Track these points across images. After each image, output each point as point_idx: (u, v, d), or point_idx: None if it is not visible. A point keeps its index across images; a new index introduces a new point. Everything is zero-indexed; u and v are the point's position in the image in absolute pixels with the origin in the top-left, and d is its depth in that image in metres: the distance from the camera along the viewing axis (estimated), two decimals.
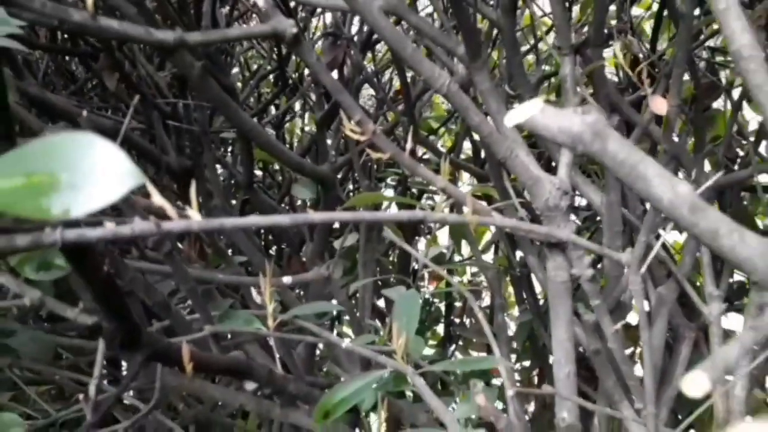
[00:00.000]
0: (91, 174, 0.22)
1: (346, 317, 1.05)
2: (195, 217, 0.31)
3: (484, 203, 0.50)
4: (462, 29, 0.52)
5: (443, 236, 1.66)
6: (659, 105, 0.59)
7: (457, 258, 1.57)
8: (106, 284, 0.36)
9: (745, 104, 1.11)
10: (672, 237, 1.23)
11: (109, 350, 0.41)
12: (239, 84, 1.52)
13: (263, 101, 1.46)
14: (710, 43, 1.12)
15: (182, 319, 0.60)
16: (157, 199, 0.30)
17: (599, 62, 0.66)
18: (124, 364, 1.03)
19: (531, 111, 0.26)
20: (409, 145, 0.49)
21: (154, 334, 0.43)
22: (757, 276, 0.25)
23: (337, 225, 1.36)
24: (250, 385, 0.64)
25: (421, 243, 1.62)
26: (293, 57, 1.26)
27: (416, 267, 1.44)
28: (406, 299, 0.67)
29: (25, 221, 0.31)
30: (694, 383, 0.19)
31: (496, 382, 1.14)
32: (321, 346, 1.20)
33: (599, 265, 0.97)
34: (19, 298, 0.42)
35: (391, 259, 1.51)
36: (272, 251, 1.46)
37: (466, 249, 1.51)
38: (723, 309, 0.64)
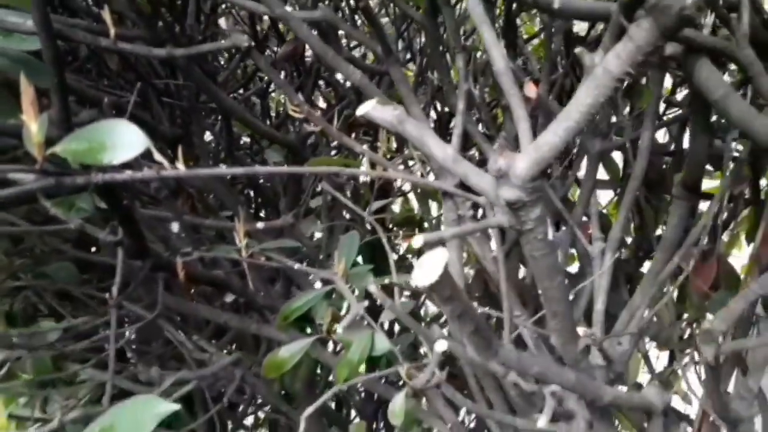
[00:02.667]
0: (123, 141, 0.42)
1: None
2: (182, 168, 0.51)
3: (384, 161, 0.70)
4: (377, 35, 0.71)
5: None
6: (530, 90, 0.79)
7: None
8: (127, 212, 0.57)
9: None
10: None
11: (126, 259, 0.62)
12: (226, 54, 1.69)
13: (248, 73, 1.64)
14: None
15: (177, 249, 0.81)
16: (157, 156, 0.51)
17: None
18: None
19: (369, 107, 0.46)
20: (336, 119, 0.69)
21: (158, 251, 0.64)
22: (489, 198, 0.46)
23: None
24: (229, 297, 0.85)
25: (396, 206, 1.84)
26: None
27: (391, 226, 1.65)
28: (348, 238, 0.88)
29: (72, 170, 0.52)
30: (415, 240, 0.40)
31: None
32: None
33: None
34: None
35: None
36: (262, 214, 1.67)
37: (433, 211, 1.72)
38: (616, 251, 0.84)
